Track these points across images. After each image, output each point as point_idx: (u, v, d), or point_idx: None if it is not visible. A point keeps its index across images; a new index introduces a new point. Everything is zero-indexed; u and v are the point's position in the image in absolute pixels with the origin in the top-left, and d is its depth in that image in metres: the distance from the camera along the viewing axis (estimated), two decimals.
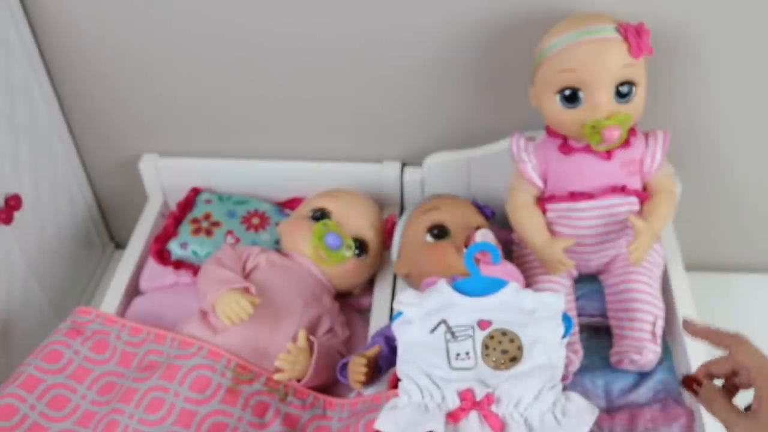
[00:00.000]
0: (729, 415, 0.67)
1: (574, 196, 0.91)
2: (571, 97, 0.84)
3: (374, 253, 1.05)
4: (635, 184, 0.91)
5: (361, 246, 1.02)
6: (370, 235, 1.04)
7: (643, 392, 0.90)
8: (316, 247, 1.00)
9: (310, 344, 0.92)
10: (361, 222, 1.03)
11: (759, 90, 1.01)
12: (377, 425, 0.79)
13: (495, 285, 0.84)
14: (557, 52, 0.84)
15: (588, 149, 0.89)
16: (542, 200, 0.94)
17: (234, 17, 1.01)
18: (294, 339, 0.94)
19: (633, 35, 0.83)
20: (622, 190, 0.90)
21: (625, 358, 0.90)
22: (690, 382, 0.72)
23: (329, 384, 0.95)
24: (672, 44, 0.96)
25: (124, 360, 0.93)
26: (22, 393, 0.88)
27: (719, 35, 0.96)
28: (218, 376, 0.89)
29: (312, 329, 0.97)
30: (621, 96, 0.84)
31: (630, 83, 0.84)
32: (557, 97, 0.85)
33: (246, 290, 0.92)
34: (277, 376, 0.90)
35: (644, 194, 0.91)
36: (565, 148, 0.90)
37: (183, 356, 0.90)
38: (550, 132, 0.92)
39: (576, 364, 0.90)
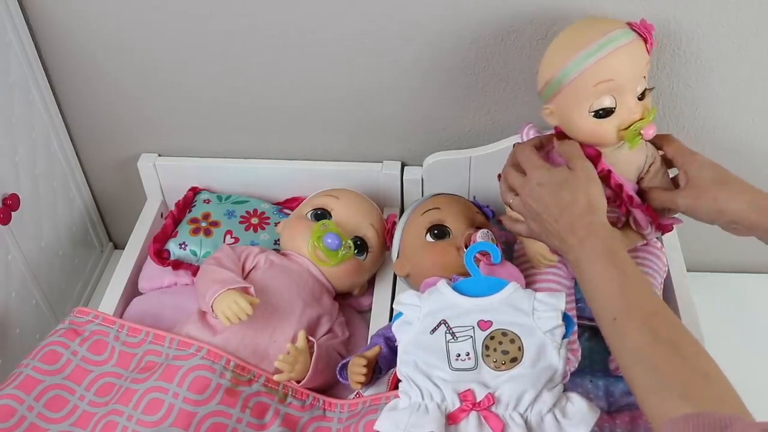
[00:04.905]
0: (669, 196, 0.86)
1: None
2: (609, 109, 0.82)
3: (374, 253, 1.04)
4: (630, 189, 0.89)
5: (360, 246, 1.02)
6: (370, 235, 1.03)
7: None
8: (315, 248, 0.99)
9: (310, 345, 0.92)
10: (360, 222, 1.03)
11: (760, 91, 1.01)
12: (377, 426, 0.79)
13: (495, 285, 0.84)
14: (589, 67, 0.81)
15: (589, 151, 0.87)
16: None
17: (233, 17, 1.01)
18: (293, 340, 0.93)
19: (647, 32, 0.82)
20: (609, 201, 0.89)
21: None
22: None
23: (329, 385, 0.94)
24: (668, 42, 0.96)
25: (122, 360, 0.93)
26: (19, 394, 0.88)
27: (718, 33, 0.95)
28: (217, 377, 0.88)
29: (311, 330, 0.96)
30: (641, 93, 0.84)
31: (644, 80, 0.84)
32: (592, 111, 0.83)
33: (245, 290, 0.92)
34: (276, 377, 0.90)
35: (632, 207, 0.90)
36: None
37: (182, 357, 0.90)
38: (558, 130, 0.90)
39: (574, 363, 0.90)
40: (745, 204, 0.81)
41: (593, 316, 0.75)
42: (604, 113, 0.82)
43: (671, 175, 0.90)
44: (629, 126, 0.82)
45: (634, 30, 0.83)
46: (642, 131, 0.82)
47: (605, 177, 0.86)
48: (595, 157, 0.85)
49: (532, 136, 0.92)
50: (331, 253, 0.99)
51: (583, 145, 0.85)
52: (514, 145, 0.88)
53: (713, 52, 0.97)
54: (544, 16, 0.96)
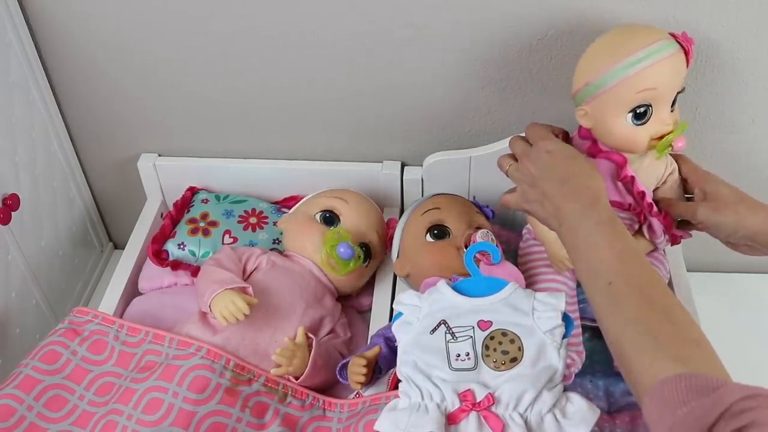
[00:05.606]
0: (688, 206, 0.87)
1: None
2: (644, 114, 0.83)
3: (377, 257, 1.05)
4: (650, 197, 0.90)
5: (366, 252, 1.02)
6: (374, 240, 1.04)
7: None
8: (329, 256, 0.99)
9: (309, 341, 0.92)
10: (367, 227, 1.03)
11: (760, 91, 1.01)
12: (377, 426, 0.79)
13: (495, 285, 0.84)
14: (635, 74, 0.81)
15: (615, 157, 0.88)
16: None
17: (233, 17, 1.01)
18: (293, 338, 0.93)
19: (689, 45, 0.83)
20: (629, 208, 0.90)
21: None
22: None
23: (329, 385, 0.94)
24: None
25: (122, 360, 0.93)
26: (19, 394, 0.88)
27: (718, 33, 0.95)
28: (217, 377, 0.88)
29: (313, 331, 0.96)
30: (671, 105, 0.85)
31: (678, 92, 0.84)
32: (629, 116, 0.83)
33: (243, 290, 0.92)
34: (273, 371, 0.89)
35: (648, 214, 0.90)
36: (594, 149, 0.89)
37: (182, 356, 0.90)
38: (583, 132, 0.89)
39: (578, 365, 0.90)
40: (765, 218, 0.82)
41: (581, 281, 0.75)
42: (641, 119, 0.82)
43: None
44: (661, 137, 0.83)
45: (678, 42, 0.83)
46: (672, 143, 0.83)
47: (628, 184, 0.87)
48: (621, 163, 0.86)
49: None
50: (342, 263, 0.99)
51: (610, 151, 0.86)
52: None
53: (713, 52, 0.97)
54: (543, 16, 0.96)
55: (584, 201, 0.77)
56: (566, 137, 0.90)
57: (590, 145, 0.89)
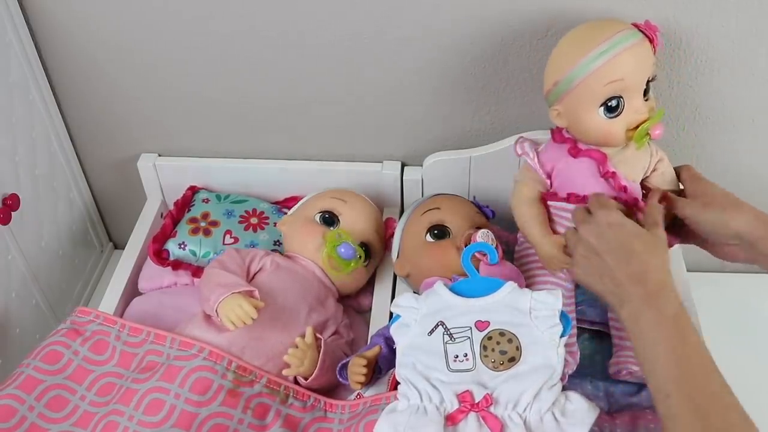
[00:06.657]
0: (677, 199, 0.86)
1: (570, 198, 0.90)
2: (616, 106, 0.83)
3: (377, 257, 1.05)
4: (635, 191, 0.90)
5: (366, 252, 1.02)
6: (374, 240, 1.04)
7: (646, 396, 0.90)
8: (330, 257, 0.99)
9: (317, 342, 0.92)
10: (367, 228, 1.03)
11: (760, 91, 1.01)
12: (376, 429, 0.79)
13: (492, 285, 0.84)
14: (600, 67, 0.81)
15: (594, 154, 0.88)
16: (545, 196, 0.93)
17: (232, 18, 1.01)
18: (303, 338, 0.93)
19: (653, 32, 0.83)
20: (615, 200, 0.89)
21: (624, 369, 0.89)
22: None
23: (332, 385, 0.94)
24: (668, 42, 0.96)
25: (123, 360, 0.92)
26: (20, 394, 0.87)
27: (718, 33, 0.95)
28: (219, 378, 0.88)
29: (318, 332, 0.96)
30: (644, 93, 0.85)
31: (649, 80, 0.84)
32: (601, 110, 0.83)
33: (249, 294, 0.92)
34: (285, 372, 0.90)
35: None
36: (574, 150, 0.89)
37: (183, 357, 0.90)
38: (558, 138, 0.91)
39: (572, 366, 0.89)
40: (753, 217, 0.80)
41: (642, 371, 0.72)
42: (613, 111, 0.83)
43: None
44: (637, 126, 0.83)
45: (641, 31, 0.83)
46: (649, 131, 0.83)
47: (610, 179, 0.87)
48: (600, 160, 0.86)
49: (527, 150, 0.92)
50: (344, 263, 0.99)
51: (589, 149, 0.87)
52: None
53: (713, 52, 0.97)
54: (543, 15, 0.96)
55: (648, 286, 0.73)
56: (560, 138, 0.89)
57: (570, 147, 0.89)
